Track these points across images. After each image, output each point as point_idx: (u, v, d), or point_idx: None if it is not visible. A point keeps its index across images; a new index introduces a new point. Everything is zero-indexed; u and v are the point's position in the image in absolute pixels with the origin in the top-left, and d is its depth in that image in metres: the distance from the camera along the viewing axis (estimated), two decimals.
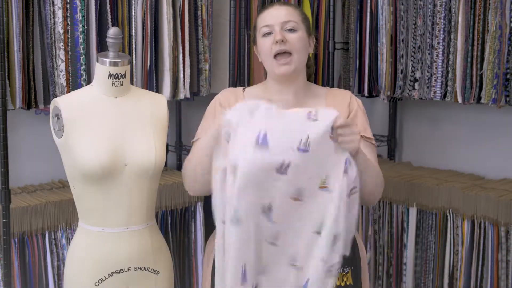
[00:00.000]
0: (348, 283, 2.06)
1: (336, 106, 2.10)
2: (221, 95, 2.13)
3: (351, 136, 1.76)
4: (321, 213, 1.75)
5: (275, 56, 2.01)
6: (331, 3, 3.19)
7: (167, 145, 3.14)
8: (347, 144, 1.76)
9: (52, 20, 2.46)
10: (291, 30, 2.00)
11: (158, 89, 2.72)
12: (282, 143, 1.69)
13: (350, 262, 2.07)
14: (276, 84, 2.08)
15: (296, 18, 2.03)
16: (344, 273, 2.06)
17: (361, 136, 2.05)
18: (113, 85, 2.07)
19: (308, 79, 2.19)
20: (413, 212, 3.15)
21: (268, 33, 2.01)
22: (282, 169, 1.68)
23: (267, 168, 1.68)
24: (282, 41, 1.98)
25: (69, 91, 2.47)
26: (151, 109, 2.16)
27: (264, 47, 2.03)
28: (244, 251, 1.74)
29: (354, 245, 2.11)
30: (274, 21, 2.01)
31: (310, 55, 2.17)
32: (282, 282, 1.81)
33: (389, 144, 3.68)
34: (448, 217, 3.02)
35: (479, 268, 2.91)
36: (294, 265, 1.79)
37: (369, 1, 3.25)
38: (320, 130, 1.70)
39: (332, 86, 3.20)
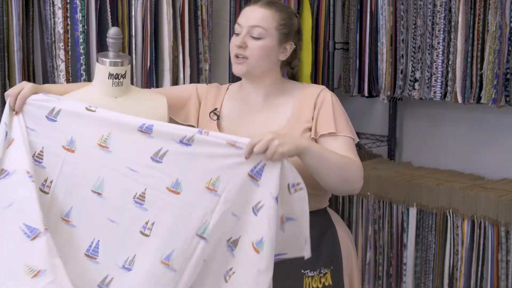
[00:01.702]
0: (327, 284, 1.98)
1: (303, 104, 2.03)
2: (206, 86, 2.16)
3: (270, 150, 1.66)
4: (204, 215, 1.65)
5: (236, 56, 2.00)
6: (331, 3, 3.19)
7: None
8: (273, 157, 1.67)
9: (52, 20, 2.46)
10: (256, 37, 1.97)
11: None
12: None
13: (329, 262, 2.00)
14: (248, 83, 2.06)
15: (268, 25, 1.97)
16: (321, 274, 1.98)
17: (330, 134, 1.94)
18: (113, 85, 2.06)
19: (293, 78, 2.14)
20: (413, 212, 3.15)
21: (238, 34, 2.00)
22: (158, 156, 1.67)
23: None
24: (241, 46, 1.97)
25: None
26: (151, 109, 2.15)
27: (230, 45, 2.02)
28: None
29: (334, 243, 2.04)
30: (244, 23, 1.98)
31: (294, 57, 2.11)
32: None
33: (389, 144, 3.68)
34: (448, 217, 3.02)
35: (479, 268, 2.92)
36: (166, 264, 1.66)
37: (369, 1, 3.25)
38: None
39: (332, 86, 3.21)
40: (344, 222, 3.37)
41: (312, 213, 1.84)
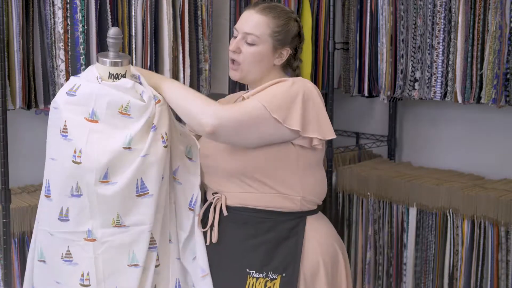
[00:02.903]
0: None
1: None
2: (226, 100, 2.19)
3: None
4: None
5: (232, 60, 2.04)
6: (331, 3, 3.19)
7: None
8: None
9: (52, 20, 2.46)
10: (250, 43, 1.99)
11: None
12: None
13: (281, 268, 1.90)
14: (249, 87, 2.10)
15: (261, 32, 1.98)
16: (268, 279, 1.90)
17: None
18: None
19: None
20: (413, 212, 3.15)
21: (235, 37, 2.03)
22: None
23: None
24: (235, 51, 2.00)
25: None
26: None
27: (229, 47, 2.05)
28: None
29: (296, 253, 1.93)
30: (240, 28, 2.01)
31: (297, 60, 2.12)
32: None
33: (389, 144, 3.68)
34: (448, 217, 3.02)
35: (479, 268, 2.92)
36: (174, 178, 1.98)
37: (369, 1, 3.25)
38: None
39: (332, 86, 3.21)
40: (344, 222, 3.40)
41: (278, 214, 1.85)
